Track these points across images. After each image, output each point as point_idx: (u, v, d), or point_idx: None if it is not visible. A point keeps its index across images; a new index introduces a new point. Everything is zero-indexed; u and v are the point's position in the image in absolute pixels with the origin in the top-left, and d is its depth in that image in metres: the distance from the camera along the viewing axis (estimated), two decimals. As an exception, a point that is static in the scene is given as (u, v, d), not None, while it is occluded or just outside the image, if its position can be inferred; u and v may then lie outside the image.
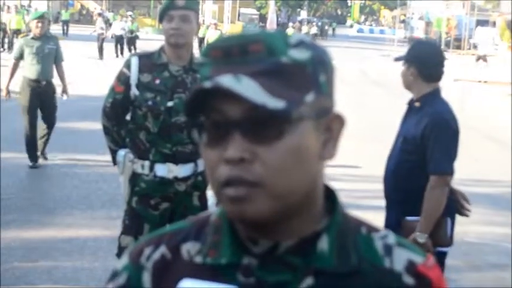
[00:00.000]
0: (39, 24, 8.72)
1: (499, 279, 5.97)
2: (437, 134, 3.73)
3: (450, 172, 3.75)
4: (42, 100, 8.79)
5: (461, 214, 4.00)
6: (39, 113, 8.84)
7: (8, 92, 8.98)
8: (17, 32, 26.63)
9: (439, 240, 3.80)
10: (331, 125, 1.08)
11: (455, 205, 3.91)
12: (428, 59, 3.91)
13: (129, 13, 39.33)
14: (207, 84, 0.99)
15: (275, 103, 0.97)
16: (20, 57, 8.80)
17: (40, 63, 8.67)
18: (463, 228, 7.16)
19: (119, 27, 29.01)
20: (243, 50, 1.03)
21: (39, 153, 8.90)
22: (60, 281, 5.23)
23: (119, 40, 28.54)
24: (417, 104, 3.89)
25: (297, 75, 1.03)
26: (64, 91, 9.23)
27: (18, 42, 9.10)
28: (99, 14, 32.80)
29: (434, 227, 3.76)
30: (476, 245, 6.78)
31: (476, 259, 6.43)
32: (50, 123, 8.93)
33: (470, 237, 6.83)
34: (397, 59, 4.16)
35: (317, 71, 1.05)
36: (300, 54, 1.04)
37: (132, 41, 29.24)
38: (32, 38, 8.78)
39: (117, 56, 27.08)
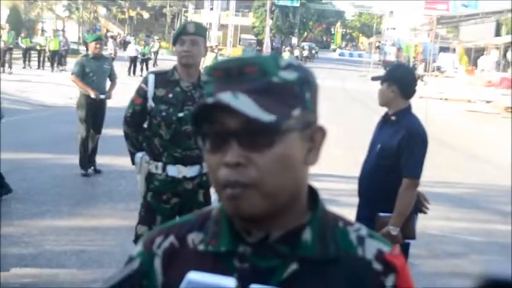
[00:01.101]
0: (98, 45, 8.49)
1: (456, 265, 5.99)
2: (412, 145, 3.74)
3: (419, 176, 3.76)
4: (95, 113, 8.51)
5: (422, 212, 4.02)
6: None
7: (97, 93, 8.36)
8: (55, 53, 26.62)
9: (408, 233, 3.80)
10: (314, 136, 1.08)
11: (417, 204, 3.93)
12: (408, 79, 3.93)
13: (156, 37, 39.24)
14: (210, 100, 0.99)
15: (267, 117, 0.97)
16: (80, 74, 8.39)
17: (97, 81, 8.44)
18: (426, 222, 7.17)
19: (133, 49, 28.61)
20: (241, 71, 1.03)
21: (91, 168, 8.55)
22: (86, 263, 5.23)
23: (133, 60, 28.04)
24: (393, 118, 3.88)
25: (286, 93, 1.03)
26: (108, 94, 8.63)
27: (78, 61, 8.69)
28: (111, 37, 32.57)
29: (404, 222, 3.77)
30: (437, 236, 6.79)
31: (437, 248, 6.44)
32: (98, 131, 8.64)
33: (431, 230, 6.84)
34: (374, 79, 4.14)
35: (303, 90, 1.05)
36: (288, 75, 1.04)
37: (145, 61, 28.89)
38: (92, 58, 8.49)
39: (129, 74, 26.36)
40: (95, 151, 8.65)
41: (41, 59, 27.31)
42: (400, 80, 3.88)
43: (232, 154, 1.00)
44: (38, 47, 27.19)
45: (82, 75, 8.40)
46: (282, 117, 0.99)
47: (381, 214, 3.80)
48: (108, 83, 8.73)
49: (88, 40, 9.55)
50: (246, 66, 1.03)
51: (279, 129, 1.00)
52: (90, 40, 8.92)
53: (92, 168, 8.56)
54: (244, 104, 0.97)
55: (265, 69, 1.03)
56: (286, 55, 49.76)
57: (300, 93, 1.05)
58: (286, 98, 1.03)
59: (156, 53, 33.57)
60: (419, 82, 4.31)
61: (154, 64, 31.38)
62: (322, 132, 1.09)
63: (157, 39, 37.08)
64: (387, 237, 3.58)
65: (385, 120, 3.97)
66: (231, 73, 1.03)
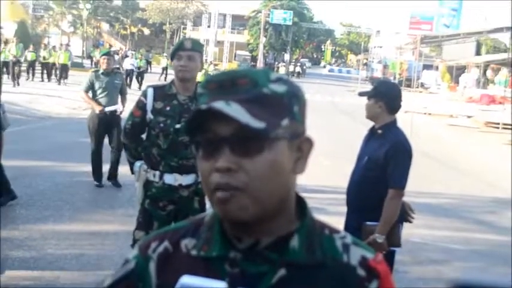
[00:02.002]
0: (105, 60, 8.13)
1: (437, 271, 5.98)
2: (397, 157, 3.73)
3: (404, 186, 3.75)
4: (108, 128, 8.12)
5: (407, 221, 4.01)
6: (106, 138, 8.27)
7: (101, 107, 8.02)
8: (65, 66, 25.99)
9: (393, 241, 3.79)
10: (302, 146, 1.08)
11: (403, 214, 3.92)
12: (394, 95, 3.92)
13: (165, 54, 38.68)
14: (203, 106, 1.00)
15: (257, 124, 0.97)
16: (89, 89, 8.06)
17: (108, 96, 8.02)
18: (409, 231, 7.16)
19: (129, 62, 27.98)
20: (233, 83, 1.03)
21: (107, 180, 8.23)
22: (85, 266, 5.19)
23: (129, 74, 26.78)
24: (380, 132, 3.87)
25: (276, 103, 1.04)
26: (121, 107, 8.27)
27: (88, 76, 8.23)
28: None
29: (390, 231, 3.75)
30: (420, 244, 6.78)
31: (420, 255, 6.43)
32: (117, 146, 8.04)
33: (414, 238, 6.83)
34: (362, 94, 4.12)
35: (292, 102, 1.06)
36: (278, 88, 1.05)
37: (140, 74, 28.13)
38: (102, 73, 8.05)
39: (129, 88, 25.97)
40: (113, 165, 8.27)
41: (44, 71, 26.73)
42: (386, 96, 3.87)
43: (224, 160, 1.00)
44: (41, 60, 26.61)
45: (92, 90, 8.07)
46: (271, 125, 1.00)
47: (368, 223, 3.78)
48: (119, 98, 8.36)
49: (91, 54, 9.48)
50: (238, 78, 1.04)
51: (268, 137, 1.00)
52: (100, 55, 8.63)
53: (111, 182, 8.27)
54: (236, 111, 0.98)
55: (256, 81, 1.04)
56: (282, 70, 50.22)
57: (288, 105, 1.05)
58: (275, 109, 1.03)
59: (166, 68, 33.01)
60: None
61: (165, 79, 31.07)
62: (309, 142, 1.09)
63: (165, 56, 36.75)
64: (373, 245, 3.58)
65: (371, 134, 3.96)
66: (224, 85, 1.04)
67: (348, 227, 3.86)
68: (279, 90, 1.05)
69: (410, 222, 4.05)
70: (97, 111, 8.04)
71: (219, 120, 0.99)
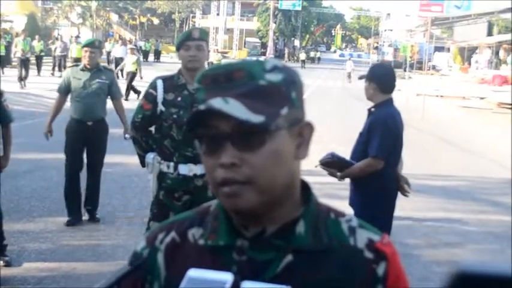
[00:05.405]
0: (87, 54, 6.08)
1: (452, 254, 5.98)
2: (374, 129, 4.08)
3: (381, 157, 4.05)
4: (88, 143, 6.19)
5: (403, 194, 4.31)
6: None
7: (50, 131, 6.21)
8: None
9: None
10: (302, 131, 1.08)
11: (398, 188, 4.24)
12: (386, 76, 4.26)
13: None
14: (202, 107, 1.00)
15: (256, 118, 0.98)
16: (64, 90, 6.14)
17: (86, 100, 6.03)
18: (423, 213, 7.19)
19: (119, 50, 26.17)
20: (228, 77, 1.04)
21: (83, 210, 6.28)
22: (101, 256, 5.25)
23: (118, 62, 24.60)
24: (372, 110, 4.24)
25: (273, 94, 1.04)
26: (125, 130, 6.28)
27: (64, 72, 6.56)
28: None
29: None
30: (433, 227, 6.78)
31: (433, 239, 6.43)
32: (95, 169, 6.42)
33: (428, 221, 6.84)
34: (360, 78, 4.50)
35: (289, 89, 1.06)
36: (274, 77, 1.05)
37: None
38: (81, 70, 6.13)
39: (117, 78, 24.37)
40: (90, 194, 6.41)
41: (39, 64, 24.94)
42: (378, 78, 4.19)
43: (227, 155, 1.01)
44: (35, 53, 24.44)
45: (67, 91, 6.16)
46: (270, 117, 1.00)
47: (336, 155, 4.16)
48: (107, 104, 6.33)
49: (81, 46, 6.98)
50: (233, 72, 1.04)
51: (268, 129, 1.00)
52: (82, 46, 6.54)
53: (87, 215, 6.32)
54: (234, 108, 0.98)
55: (251, 74, 1.04)
56: (302, 56, 50.62)
57: (286, 93, 1.05)
58: (273, 99, 1.03)
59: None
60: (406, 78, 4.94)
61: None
62: (310, 127, 1.10)
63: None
64: (332, 175, 4.18)
65: (369, 113, 4.29)
66: (219, 80, 1.04)
67: (350, 198, 4.30)
68: (275, 80, 1.04)
69: (406, 196, 4.31)
70: (44, 130, 6.19)
71: (219, 117, 0.99)
